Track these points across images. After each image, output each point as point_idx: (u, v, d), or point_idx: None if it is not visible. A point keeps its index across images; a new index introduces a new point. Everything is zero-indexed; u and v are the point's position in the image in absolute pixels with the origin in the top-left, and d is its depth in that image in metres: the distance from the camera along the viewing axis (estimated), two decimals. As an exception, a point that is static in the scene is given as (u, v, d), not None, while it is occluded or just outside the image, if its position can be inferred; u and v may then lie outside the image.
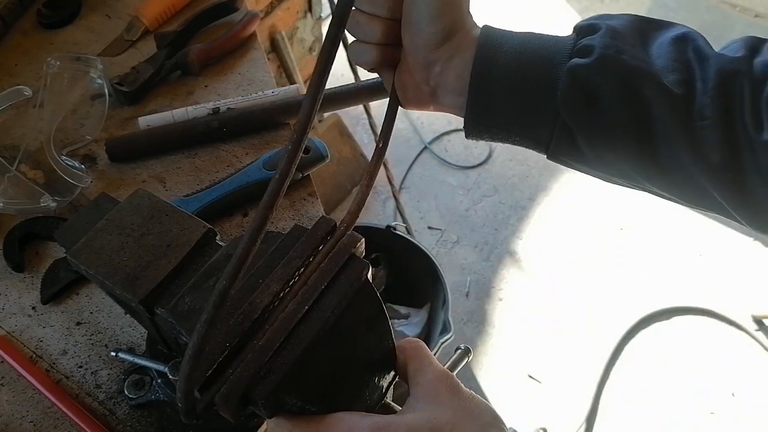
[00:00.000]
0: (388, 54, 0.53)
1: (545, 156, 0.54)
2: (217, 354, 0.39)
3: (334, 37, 0.34)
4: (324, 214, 0.61)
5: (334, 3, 1.61)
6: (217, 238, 0.49)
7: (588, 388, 1.81)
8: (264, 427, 0.57)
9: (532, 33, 0.51)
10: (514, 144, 0.54)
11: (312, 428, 0.39)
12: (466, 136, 0.56)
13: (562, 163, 0.54)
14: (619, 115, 0.47)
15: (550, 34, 0.51)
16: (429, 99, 0.55)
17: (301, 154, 0.33)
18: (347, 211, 0.48)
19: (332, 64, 0.34)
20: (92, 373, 0.60)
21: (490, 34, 0.50)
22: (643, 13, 1.84)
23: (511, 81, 0.49)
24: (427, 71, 0.52)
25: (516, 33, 0.51)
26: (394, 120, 0.56)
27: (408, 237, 1.53)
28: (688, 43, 0.47)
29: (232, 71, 0.87)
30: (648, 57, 0.47)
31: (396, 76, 0.55)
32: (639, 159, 0.48)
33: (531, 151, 0.54)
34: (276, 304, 0.42)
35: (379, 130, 1.83)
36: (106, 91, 0.80)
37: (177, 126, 0.77)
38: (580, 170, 0.55)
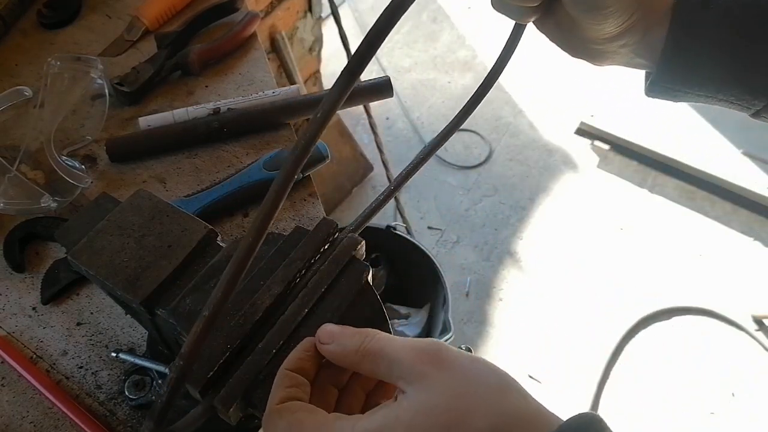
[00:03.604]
0: None
1: (749, 114, 0.44)
2: (218, 356, 0.39)
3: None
4: (325, 215, 0.61)
5: (334, 3, 1.61)
6: (218, 238, 0.49)
7: (588, 388, 1.81)
8: (264, 427, 0.57)
9: None
10: (708, 103, 0.45)
11: None
12: (646, 94, 0.47)
13: None
14: None
15: None
16: (599, 54, 0.45)
17: (307, 157, 0.32)
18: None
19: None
20: (93, 373, 0.60)
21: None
22: None
23: (725, 30, 0.40)
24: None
25: None
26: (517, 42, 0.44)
27: (408, 237, 1.53)
28: None
29: (232, 71, 0.87)
30: None
31: (551, 19, 0.44)
32: None
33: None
34: (277, 306, 0.42)
35: (379, 129, 1.83)
36: (107, 91, 0.80)
37: (177, 126, 0.77)
38: None
